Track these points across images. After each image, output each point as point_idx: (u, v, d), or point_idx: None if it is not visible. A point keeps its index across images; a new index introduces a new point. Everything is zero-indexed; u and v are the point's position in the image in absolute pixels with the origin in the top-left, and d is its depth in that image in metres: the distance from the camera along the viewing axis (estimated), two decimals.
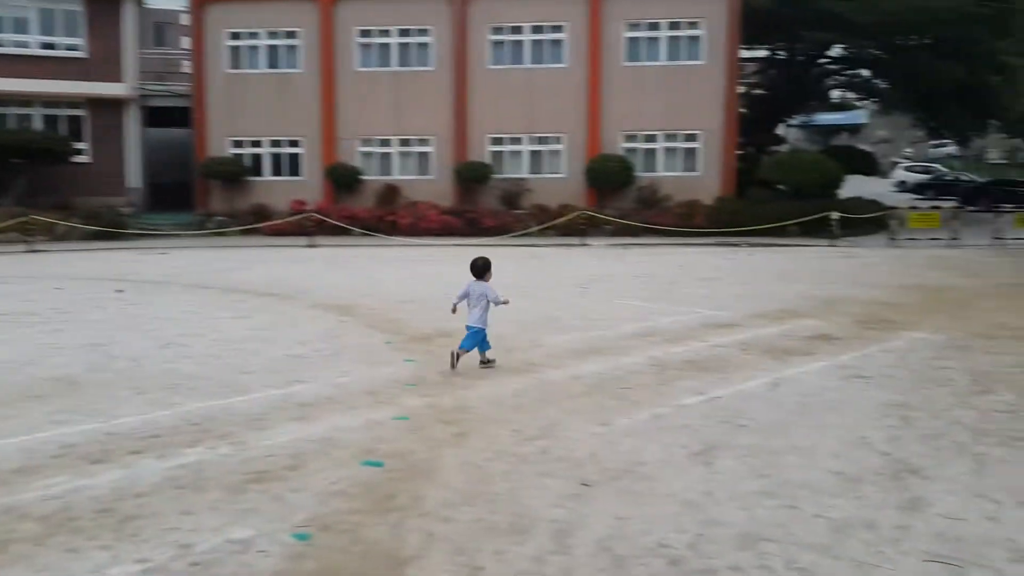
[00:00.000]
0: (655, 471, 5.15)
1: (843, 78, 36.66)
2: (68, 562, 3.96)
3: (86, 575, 3.84)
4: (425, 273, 16.38)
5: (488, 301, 7.90)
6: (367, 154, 27.59)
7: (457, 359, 7.82)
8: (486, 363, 7.99)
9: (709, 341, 9.15)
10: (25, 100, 26.39)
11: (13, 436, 5.82)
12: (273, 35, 27.56)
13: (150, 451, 5.52)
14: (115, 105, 27.14)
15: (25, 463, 5.27)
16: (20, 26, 26.18)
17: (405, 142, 27.67)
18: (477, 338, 7.89)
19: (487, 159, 27.16)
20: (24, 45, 26.10)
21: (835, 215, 23.12)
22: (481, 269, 8.09)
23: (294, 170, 27.71)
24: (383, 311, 11.38)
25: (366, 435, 5.90)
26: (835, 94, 42.27)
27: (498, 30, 27.15)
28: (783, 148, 35.07)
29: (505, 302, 8.08)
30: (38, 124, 26.61)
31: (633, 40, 26.87)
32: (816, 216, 23.47)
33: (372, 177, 27.33)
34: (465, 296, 8.02)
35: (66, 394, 7.01)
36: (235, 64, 27.55)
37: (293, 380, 7.47)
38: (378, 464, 5.29)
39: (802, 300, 12.23)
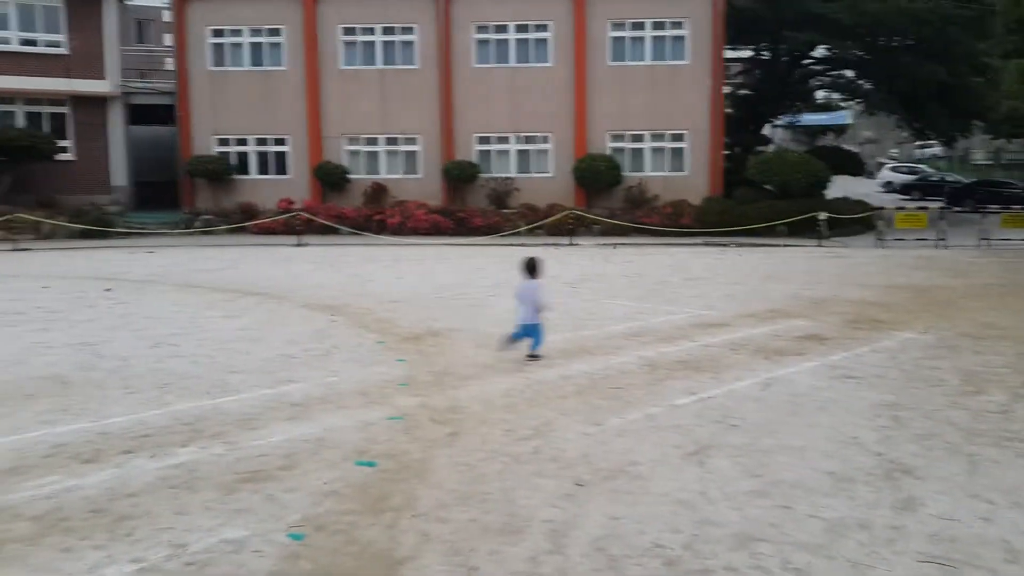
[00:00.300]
0: (648, 471, 5.17)
1: (827, 78, 36.85)
2: (62, 562, 3.93)
3: (82, 574, 3.81)
4: (415, 272, 16.35)
5: (535, 297, 8.17)
6: (354, 153, 27.51)
7: (509, 344, 8.23)
8: (533, 357, 8.23)
9: (700, 341, 9.17)
10: (7, 97, 26.13)
11: (3, 436, 5.77)
12: (256, 32, 27.42)
13: (142, 451, 5.49)
14: (98, 102, 26.94)
15: (16, 463, 5.23)
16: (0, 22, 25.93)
17: (392, 141, 27.61)
18: (526, 333, 8.19)
19: (474, 158, 27.14)
20: (5, 42, 25.82)
21: (823, 215, 23.25)
22: (531, 268, 8.32)
23: (281, 168, 27.59)
24: (373, 311, 11.35)
25: (359, 435, 5.88)
26: (820, 94, 42.49)
27: (483, 28, 27.13)
28: (769, 148, 35.22)
29: (549, 309, 8.36)
30: (21, 122, 26.36)
31: (618, 40, 26.92)
32: (803, 216, 23.60)
33: (359, 176, 27.25)
34: (521, 294, 8.27)
35: (56, 393, 6.96)
36: (218, 61, 27.40)
37: (284, 380, 7.45)
38: (371, 464, 5.28)
39: (791, 300, 12.29)
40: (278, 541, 4.17)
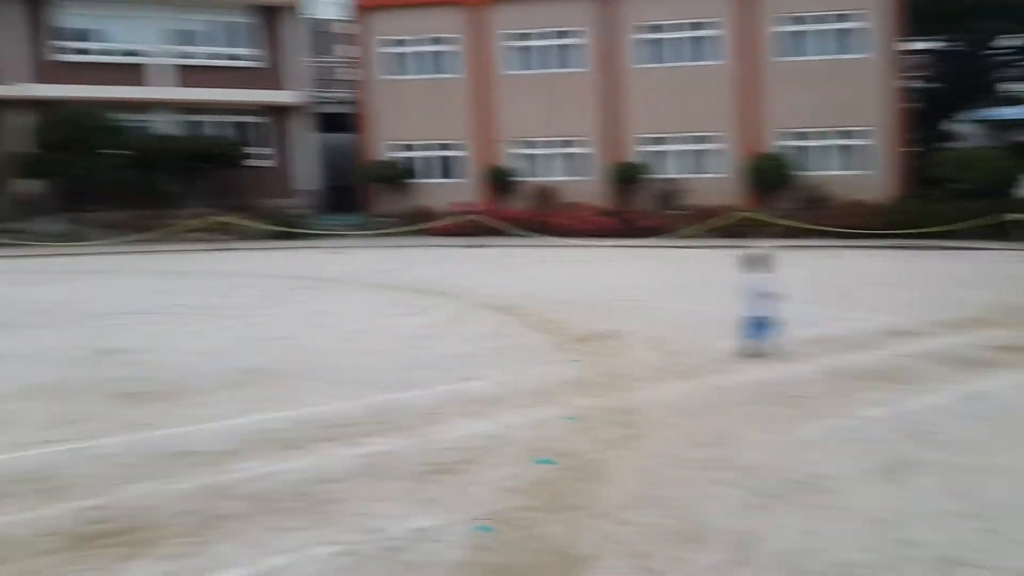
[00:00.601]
0: (838, 485, 4.94)
1: (1020, 69, 33.77)
2: (272, 540, 4.23)
3: (290, 552, 4.09)
4: (584, 274, 16.43)
5: (764, 293, 8.22)
6: (522, 156, 27.95)
7: (752, 349, 8.26)
8: (756, 351, 8.27)
9: (888, 349, 8.67)
10: (199, 108, 28.26)
11: (215, 421, 6.29)
12: (429, 41, 28.37)
13: (337, 439, 5.82)
14: (287, 112, 28.76)
15: (228, 447, 5.69)
16: (193, 39, 28.10)
17: (559, 143, 27.84)
18: (760, 326, 8.25)
19: (641, 159, 26.91)
20: (195, 56, 27.96)
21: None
22: (758, 263, 8.40)
23: (453, 173, 28.44)
24: (545, 311, 11.48)
25: (536, 433, 5.98)
26: (1013, 87, 39.02)
27: (648, 29, 26.85)
28: (955, 145, 32.76)
29: (780, 296, 8.37)
30: (216, 131, 28.47)
31: (790, 35, 25.88)
32: (996, 217, 21.76)
33: (528, 178, 27.66)
34: (746, 290, 8.36)
35: (258, 384, 7.51)
36: (394, 70, 28.53)
37: (463, 377, 7.68)
38: (550, 462, 5.35)
39: (988, 307, 11.37)
40: (465, 532, 4.31)
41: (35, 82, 25.54)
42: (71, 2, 26.41)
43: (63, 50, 26.25)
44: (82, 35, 26.83)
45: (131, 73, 26.82)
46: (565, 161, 27.88)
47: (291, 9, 28.71)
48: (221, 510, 4.60)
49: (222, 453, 5.54)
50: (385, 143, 28.56)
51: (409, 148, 28.56)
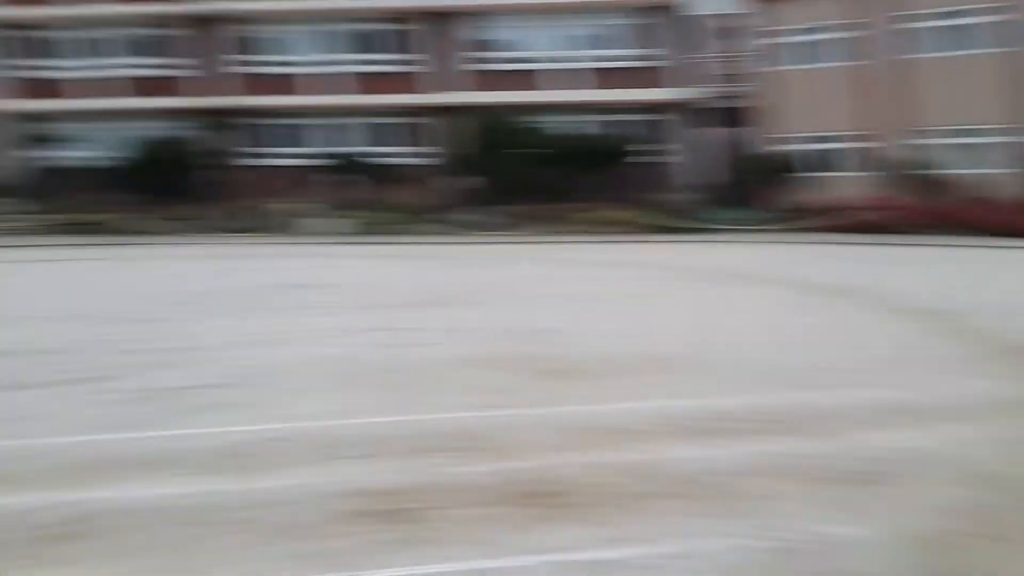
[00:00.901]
0: None
1: None
2: (673, 524, 4.28)
3: (689, 538, 4.10)
4: (1007, 279, 14.46)
5: None
6: (925, 146, 25.34)
7: None
8: None
9: None
10: (598, 108, 29.44)
11: (621, 402, 6.56)
12: (829, 29, 26.82)
13: (735, 433, 5.75)
14: (674, 108, 29.03)
15: (631, 427, 5.90)
16: (591, 43, 29.36)
17: (962, 133, 24.75)
18: None
19: None
20: (577, 60, 29.05)
21: None
22: None
23: (849, 165, 26.68)
24: (975, 319, 10.31)
25: (959, 452, 5.36)
26: None
27: None
28: None
29: None
30: (608, 129, 29.46)
31: None
32: None
33: (941, 171, 24.95)
34: None
35: (662, 370, 7.69)
36: (788, 61, 27.40)
37: (872, 384, 7.18)
38: (985, 487, 4.77)
39: None
40: (876, 547, 4.00)
41: (466, 90, 28.87)
42: (489, 17, 29.41)
43: (485, 60, 29.34)
44: (498, 46, 29.78)
45: (530, 78, 29.05)
46: (972, 152, 24.77)
47: (675, 8, 28.97)
48: (622, 487, 4.76)
49: (626, 433, 5.76)
50: (776, 136, 27.66)
51: (801, 140, 27.36)
